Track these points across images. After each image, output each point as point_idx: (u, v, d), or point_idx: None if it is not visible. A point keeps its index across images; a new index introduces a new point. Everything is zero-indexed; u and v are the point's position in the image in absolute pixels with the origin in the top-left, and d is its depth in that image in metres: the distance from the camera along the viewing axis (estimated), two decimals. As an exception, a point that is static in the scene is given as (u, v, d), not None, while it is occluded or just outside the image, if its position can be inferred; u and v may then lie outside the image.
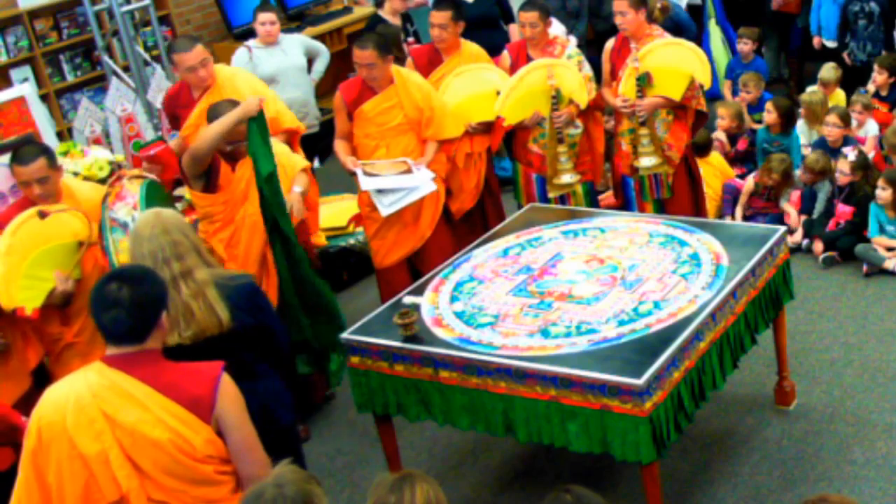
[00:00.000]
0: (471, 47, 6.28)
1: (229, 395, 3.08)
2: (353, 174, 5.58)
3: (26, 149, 4.65)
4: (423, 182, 5.53)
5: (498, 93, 5.89)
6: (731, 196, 6.95)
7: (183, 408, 2.98)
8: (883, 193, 6.12)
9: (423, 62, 6.17)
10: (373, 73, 5.50)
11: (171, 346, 3.54)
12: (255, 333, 3.74)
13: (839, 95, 7.52)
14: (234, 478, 3.10)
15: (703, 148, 7.00)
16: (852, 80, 7.70)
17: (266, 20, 7.41)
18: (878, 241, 6.21)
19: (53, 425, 2.95)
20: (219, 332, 3.61)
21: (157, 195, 4.73)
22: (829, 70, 7.56)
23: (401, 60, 6.37)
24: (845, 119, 6.80)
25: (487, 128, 5.97)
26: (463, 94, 5.92)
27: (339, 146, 5.71)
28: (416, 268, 5.76)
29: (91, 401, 2.95)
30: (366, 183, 5.48)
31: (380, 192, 5.49)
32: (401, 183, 5.49)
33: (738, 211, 6.81)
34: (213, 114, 4.82)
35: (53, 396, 3.02)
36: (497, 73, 6.08)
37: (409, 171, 5.53)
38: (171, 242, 3.56)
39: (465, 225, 6.05)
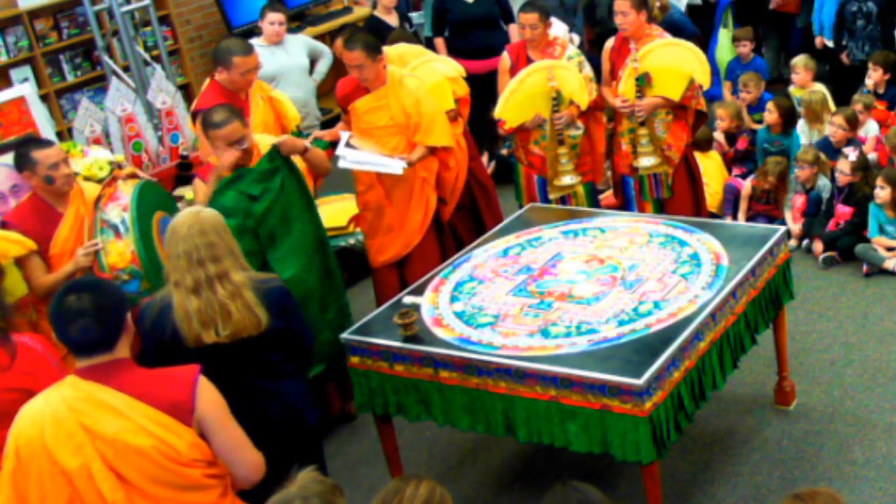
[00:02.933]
0: (393, 52, 6.19)
1: (208, 397, 3.06)
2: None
3: (35, 140, 4.79)
4: (392, 165, 5.45)
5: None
6: (731, 196, 6.96)
7: (163, 413, 2.96)
8: (882, 193, 6.12)
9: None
10: (363, 74, 5.48)
11: (208, 344, 3.57)
12: (283, 336, 3.75)
13: (819, 91, 7.43)
14: (223, 481, 3.08)
15: (703, 144, 7.01)
16: (851, 79, 7.70)
17: (276, 20, 7.43)
18: (877, 241, 6.21)
19: (32, 442, 2.92)
20: (257, 333, 3.63)
21: (153, 196, 4.71)
22: (800, 59, 7.59)
23: None
24: (852, 122, 6.73)
25: (453, 116, 5.99)
26: (433, 105, 5.87)
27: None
28: (404, 276, 5.76)
29: (68, 414, 2.92)
30: (341, 149, 5.48)
31: (348, 146, 5.49)
32: (372, 160, 5.47)
33: (740, 217, 6.82)
34: (205, 119, 4.71)
35: (29, 413, 2.98)
36: (439, 60, 6.20)
37: (388, 156, 5.50)
38: (207, 244, 3.57)
39: (460, 220, 6.07)
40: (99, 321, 2.97)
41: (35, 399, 3.03)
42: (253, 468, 3.12)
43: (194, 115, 5.55)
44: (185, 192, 6.13)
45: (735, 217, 6.87)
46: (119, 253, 4.43)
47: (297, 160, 4.94)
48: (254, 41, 7.49)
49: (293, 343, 3.82)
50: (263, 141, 4.91)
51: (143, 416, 2.94)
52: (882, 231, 6.23)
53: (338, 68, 8.33)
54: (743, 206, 6.87)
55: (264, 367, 3.77)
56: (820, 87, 7.44)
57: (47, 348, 3.66)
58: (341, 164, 5.51)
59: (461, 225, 6.13)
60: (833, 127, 6.75)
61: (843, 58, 7.83)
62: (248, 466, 3.11)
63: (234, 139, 4.62)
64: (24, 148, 4.67)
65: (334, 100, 6.30)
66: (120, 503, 2.92)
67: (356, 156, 5.46)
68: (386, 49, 6.09)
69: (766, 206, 6.81)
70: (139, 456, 2.93)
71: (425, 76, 5.96)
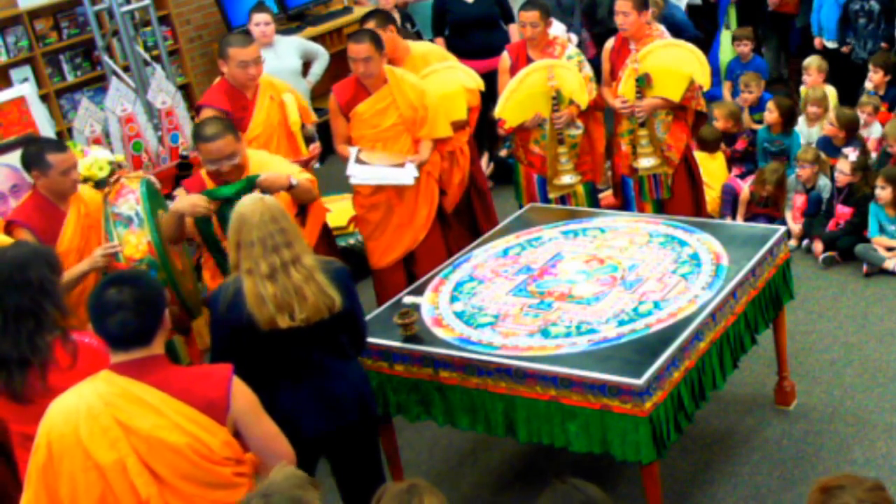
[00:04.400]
0: (417, 49, 6.17)
1: (242, 395, 3.08)
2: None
3: (50, 141, 4.82)
4: (403, 177, 5.45)
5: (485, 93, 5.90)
6: (730, 196, 6.95)
7: (198, 411, 2.97)
8: (882, 192, 6.12)
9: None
10: (369, 69, 5.41)
11: (283, 329, 3.57)
12: (350, 317, 3.77)
13: (820, 88, 7.41)
14: (249, 480, 3.10)
15: (711, 144, 7.00)
16: (852, 79, 7.69)
17: (260, 21, 7.36)
18: (878, 241, 6.21)
19: (65, 437, 2.91)
20: (329, 315, 3.64)
21: (154, 193, 4.76)
22: (811, 59, 7.57)
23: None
24: (845, 124, 6.69)
25: (463, 125, 6.00)
26: (435, 96, 5.87)
27: (341, 149, 5.64)
28: (411, 270, 5.75)
29: (104, 409, 2.92)
30: (352, 168, 5.44)
31: (358, 161, 5.45)
32: (384, 175, 5.45)
33: (739, 220, 6.80)
34: (196, 132, 4.63)
35: (61, 408, 2.97)
36: (461, 69, 6.17)
37: (401, 165, 5.48)
38: (280, 230, 3.59)
39: (456, 224, 6.07)
40: (138, 315, 2.97)
41: (66, 394, 3.02)
42: (288, 458, 3.16)
43: (198, 111, 5.56)
44: (182, 193, 6.13)
45: (734, 218, 6.86)
46: (134, 245, 4.47)
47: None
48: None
49: (355, 325, 3.84)
50: (255, 157, 4.77)
51: (178, 414, 2.95)
52: (882, 231, 6.23)
53: (335, 69, 8.36)
54: (741, 210, 6.86)
55: (335, 347, 3.77)
56: (830, 89, 7.44)
57: (100, 342, 3.68)
58: (352, 181, 5.49)
59: (456, 230, 6.12)
60: (829, 126, 6.74)
61: (845, 49, 7.84)
62: (284, 457, 3.15)
63: (224, 155, 4.52)
64: (37, 147, 4.65)
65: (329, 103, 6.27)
66: (153, 499, 2.93)
67: (366, 173, 5.45)
68: (411, 45, 6.11)
69: (765, 210, 6.80)
70: (173, 453, 2.93)
71: (444, 82, 5.97)
